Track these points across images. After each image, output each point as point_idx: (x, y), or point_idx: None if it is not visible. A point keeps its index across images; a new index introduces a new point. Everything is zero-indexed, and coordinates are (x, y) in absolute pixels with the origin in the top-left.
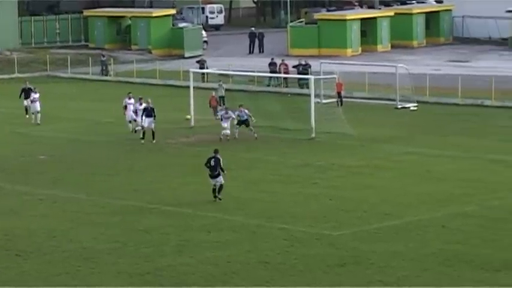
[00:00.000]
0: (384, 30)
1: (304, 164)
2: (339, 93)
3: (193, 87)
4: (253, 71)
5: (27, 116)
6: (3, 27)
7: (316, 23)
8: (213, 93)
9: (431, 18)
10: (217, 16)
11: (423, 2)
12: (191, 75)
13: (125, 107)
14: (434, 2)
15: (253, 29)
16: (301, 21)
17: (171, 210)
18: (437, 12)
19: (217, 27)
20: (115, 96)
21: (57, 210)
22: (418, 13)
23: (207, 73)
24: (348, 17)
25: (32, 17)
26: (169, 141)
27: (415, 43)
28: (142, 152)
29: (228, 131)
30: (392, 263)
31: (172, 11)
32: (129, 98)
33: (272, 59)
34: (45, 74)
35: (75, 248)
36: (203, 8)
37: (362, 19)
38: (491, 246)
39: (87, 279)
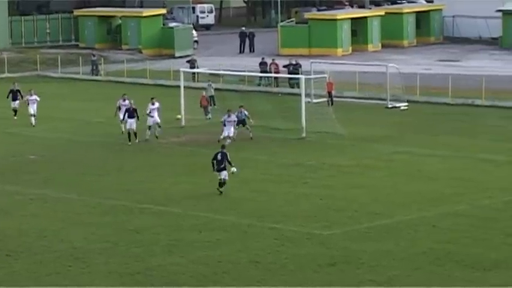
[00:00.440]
0: (374, 30)
1: (294, 163)
2: (329, 93)
3: (184, 87)
4: (244, 71)
5: (16, 118)
6: None
7: (306, 23)
8: (204, 93)
9: (421, 17)
10: (207, 16)
11: (414, 2)
12: (181, 74)
13: (118, 108)
14: (424, 2)
15: (243, 28)
16: (292, 21)
17: (162, 210)
18: (428, 11)
19: (207, 27)
20: (105, 96)
21: (47, 210)
22: (409, 13)
23: (198, 73)
24: (338, 17)
25: (22, 17)
26: (160, 141)
27: (405, 43)
28: (133, 151)
29: (230, 141)
30: (383, 262)
31: (163, 11)
32: (124, 100)
33: (263, 58)
34: (35, 73)
35: (66, 247)
36: (194, 8)
37: (352, 19)
38: (481, 246)
39: (78, 279)
